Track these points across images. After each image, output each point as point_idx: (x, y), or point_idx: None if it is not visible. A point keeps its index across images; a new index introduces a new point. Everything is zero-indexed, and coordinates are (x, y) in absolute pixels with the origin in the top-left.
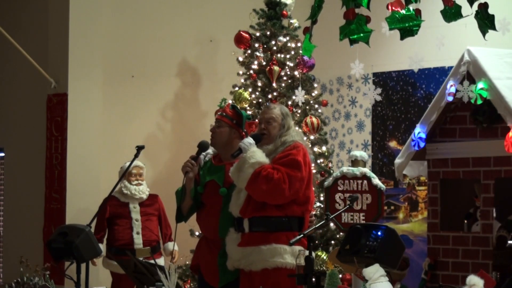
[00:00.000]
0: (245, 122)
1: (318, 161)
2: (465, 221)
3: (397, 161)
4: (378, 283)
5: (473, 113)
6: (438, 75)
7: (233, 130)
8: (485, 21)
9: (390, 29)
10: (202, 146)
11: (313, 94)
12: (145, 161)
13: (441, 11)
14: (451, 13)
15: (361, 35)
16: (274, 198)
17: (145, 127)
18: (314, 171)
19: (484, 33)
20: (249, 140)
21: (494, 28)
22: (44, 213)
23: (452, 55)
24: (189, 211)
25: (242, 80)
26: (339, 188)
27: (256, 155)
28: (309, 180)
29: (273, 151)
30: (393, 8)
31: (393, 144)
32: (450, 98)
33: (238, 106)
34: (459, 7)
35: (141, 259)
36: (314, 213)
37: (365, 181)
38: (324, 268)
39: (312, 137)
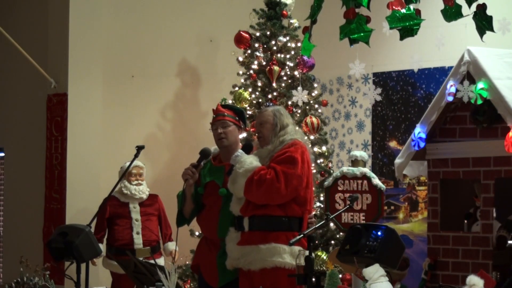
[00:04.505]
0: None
1: (318, 161)
2: (465, 221)
3: (397, 161)
4: (378, 283)
5: (473, 113)
6: (438, 75)
7: (238, 127)
8: (483, 22)
9: (391, 28)
10: (204, 154)
11: (313, 94)
12: (145, 161)
13: (442, 11)
14: (452, 12)
15: (361, 34)
16: (272, 198)
17: (145, 127)
18: (314, 171)
19: (481, 34)
20: (237, 153)
21: (492, 30)
22: (44, 213)
23: (452, 55)
24: (191, 214)
25: (242, 80)
26: (339, 188)
27: (245, 164)
28: (309, 179)
29: (272, 151)
30: (394, 7)
31: (393, 144)
32: (450, 98)
33: (238, 106)
34: (460, 6)
35: (141, 259)
36: (314, 213)
37: (365, 181)
38: (324, 268)
39: (312, 137)
